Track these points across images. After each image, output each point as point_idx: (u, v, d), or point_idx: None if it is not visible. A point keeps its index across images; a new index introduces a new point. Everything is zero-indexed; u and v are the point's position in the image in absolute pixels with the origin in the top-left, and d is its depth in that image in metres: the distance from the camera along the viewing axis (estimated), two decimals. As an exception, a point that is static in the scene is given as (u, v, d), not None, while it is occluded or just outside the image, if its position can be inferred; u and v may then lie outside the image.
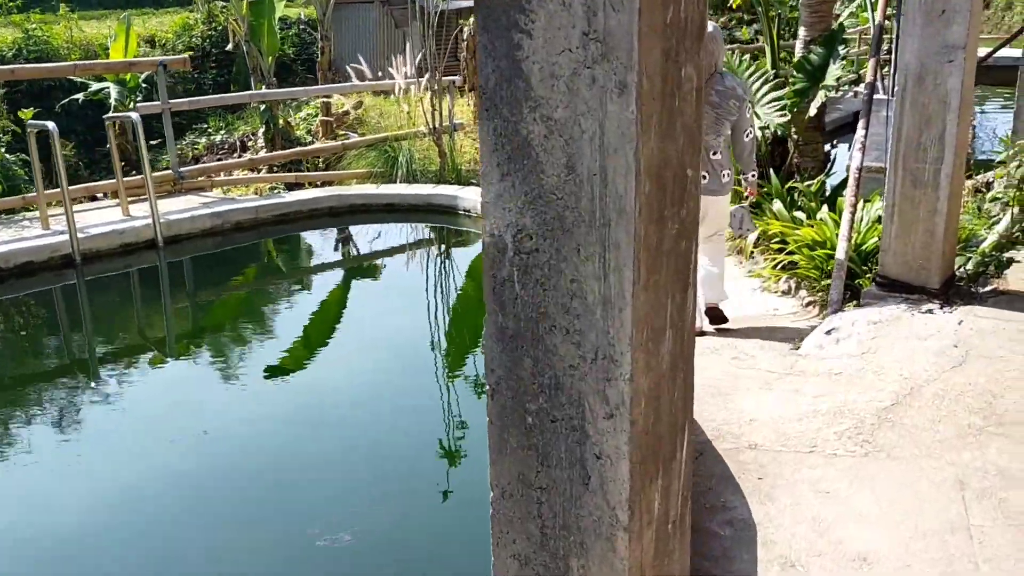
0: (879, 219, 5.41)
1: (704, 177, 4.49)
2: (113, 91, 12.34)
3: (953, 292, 4.48)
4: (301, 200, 7.81)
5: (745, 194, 4.94)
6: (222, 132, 13.96)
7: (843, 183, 6.40)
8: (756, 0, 6.61)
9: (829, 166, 6.58)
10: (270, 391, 4.94)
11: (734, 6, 6.39)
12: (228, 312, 6.42)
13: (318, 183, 9.40)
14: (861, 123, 5.64)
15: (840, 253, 4.87)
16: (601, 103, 1.37)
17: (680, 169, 1.52)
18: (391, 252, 7.91)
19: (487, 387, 1.61)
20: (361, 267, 7.46)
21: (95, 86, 12.75)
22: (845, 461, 3.10)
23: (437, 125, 9.36)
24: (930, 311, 4.30)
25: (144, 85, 14.10)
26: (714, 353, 4.65)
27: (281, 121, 12.53)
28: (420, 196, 8.04)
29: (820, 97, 6.19)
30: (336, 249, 7.97)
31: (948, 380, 3.67)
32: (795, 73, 6.37)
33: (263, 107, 12.28)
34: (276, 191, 9.57)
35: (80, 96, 12.70)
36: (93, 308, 6.34)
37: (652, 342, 1.51)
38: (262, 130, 12.66)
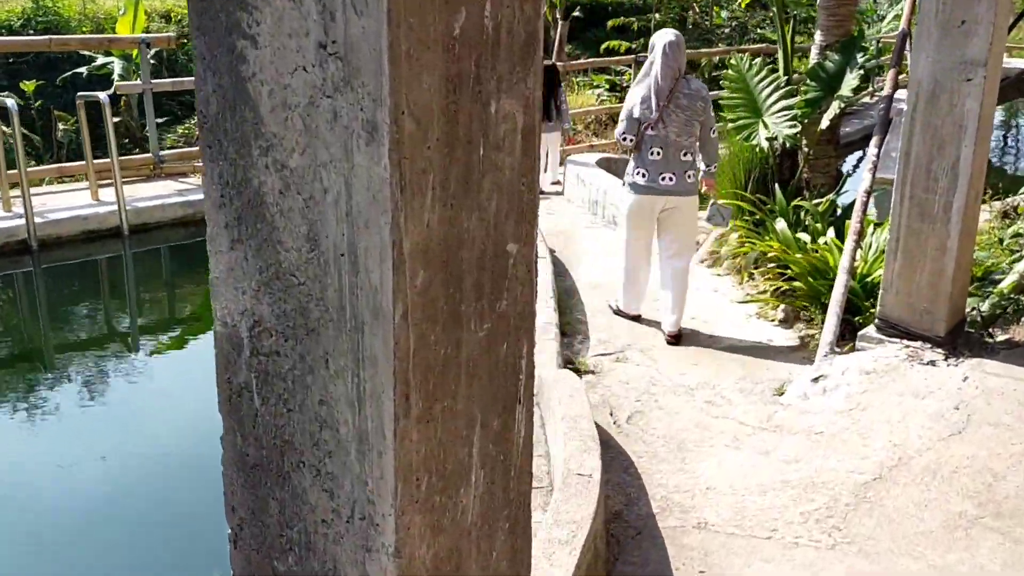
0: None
1: (671, 179, 4.66)
2: (117, 66, 12.04)
3: (961, 340, 3.96)
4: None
5: (703, 189, 4.99)
6: (230, 113, 13.62)
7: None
8: (770, -1, 6.08)
9: (841, 183, 6.04)
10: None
11: (742, 5, 5.82)
12: (186, 306, 6.03)
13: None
14: (874, 140, 5.11)
15: (838, 288, 4.35)
16: (346, 151, 0.90)
17: (493, 247, 1.05)
18: None
19: (228, 529, 1.15)
20: None
21: (100, 60, 12.44)
22: (807, 554, 2.61)
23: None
24: (932, 362, 3.78)
25: (152, 62, 13.80)
26: (688, 394, 4.17)
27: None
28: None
29: (834, 108, 5.65)
30: None
31: (943, 451, 3.17)
32: (808, 81, 5.83)
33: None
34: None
35: (84, 70, 12.40)
36: (46, 298, 5.98)
37: (442, 495, 1.04)
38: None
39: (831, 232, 5.30)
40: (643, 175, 4.70)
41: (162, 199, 6.98)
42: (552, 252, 6.80)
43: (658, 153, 4.65)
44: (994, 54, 3.55)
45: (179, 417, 4.48)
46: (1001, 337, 4.08)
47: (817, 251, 5.14)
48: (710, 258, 6.51)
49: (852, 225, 4.62)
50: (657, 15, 16.20)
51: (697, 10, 15.67)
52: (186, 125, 13.52)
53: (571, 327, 5.33)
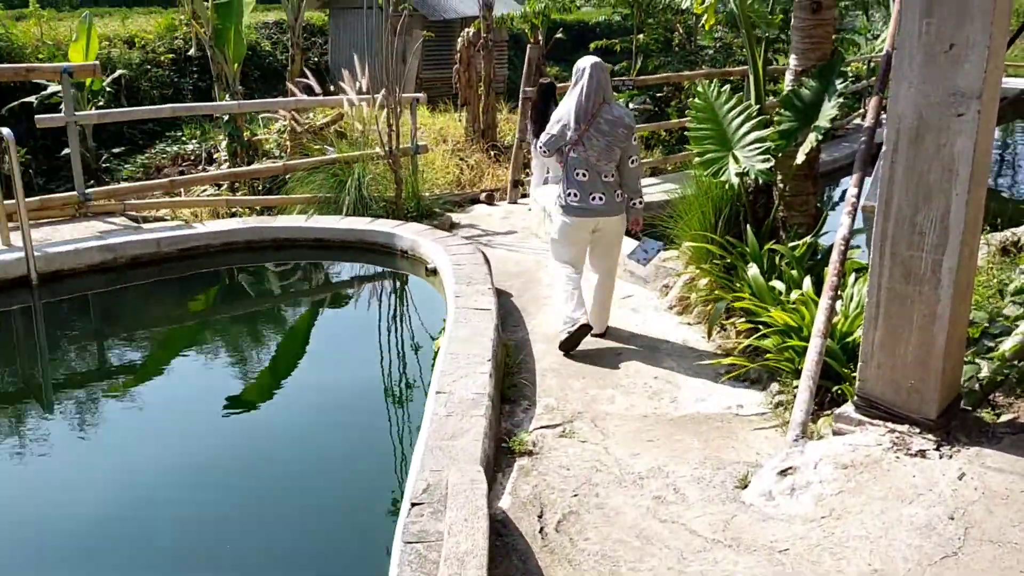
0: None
1: (600, 199, 4.83)
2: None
3: (956, 423, 3.31)
4: (214, 232, 6.77)
5: (629, 226, 5.11)
6: (194, 142, 13.01)
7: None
8: (739, 20, 5.47)
9: (820, 223, 5.42)
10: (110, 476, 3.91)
11: (707, 27, 5.23)
12: (93, 362, 5.39)
13: (258, 208, 8.38)
14: (854, 179, 4.50)
15: (810, 356, 3.72)
16: None
17: None
18: (308, 299, 6.80)
19: None
20: (265, 317, 6.38)
21: (52, 88, 11.86)
22: None
23: (393, 147, 8.30)
24: (922, 452, 3.14)
25: (110, 90, 13.23)
26: (636, 486, 3.53)
27: (248, 134, 11.58)
28: (354, 232, 6.97)
29: (811, 140, 5.04)
30: (243, 294, 6.84)
31: (934, 582, 2.53)
32: (782, 110, 5.22)
33: (226, 118, 11.34)
34: (241, 214, 8.57)
35: (34, 99, 11.82)
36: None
37: None
38: (224, 143, 11.71)
39: (807, 282, 4.67)
40: (575, 196, 4.86)
41: (79, 243, 6.36)
42: (508, 296, 6.18)
43: (583, 175, 4.82)
44: (990, 84, 2.94)
45: (92, 482, 3.98)
46: (1005, 417, 3.44)
47: (793, 304, 4.51)
48: (679, 304, 5.89)
49: (828, 278, 4.00)
50: (641, 36, 15.68)
51: (682, 31, 15.12)
52: (148, 154, 12.93)
53: (516, 390, 4.69)
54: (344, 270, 7.29)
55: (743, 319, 4.81)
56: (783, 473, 3.17)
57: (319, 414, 4.72)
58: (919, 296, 3.17)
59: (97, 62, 8.46)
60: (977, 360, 3.77)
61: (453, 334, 4.71)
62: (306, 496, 3.89)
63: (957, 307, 3.17)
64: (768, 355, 4.47)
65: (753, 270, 5.02)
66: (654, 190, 10.01)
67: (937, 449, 3.15)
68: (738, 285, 5.16)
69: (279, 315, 6.37)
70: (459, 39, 13.58)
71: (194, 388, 5.09)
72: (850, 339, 4.14)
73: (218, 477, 4.03)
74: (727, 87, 5.52)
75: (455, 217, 9.01)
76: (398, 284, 6.88)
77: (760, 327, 4.58)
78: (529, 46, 9.46)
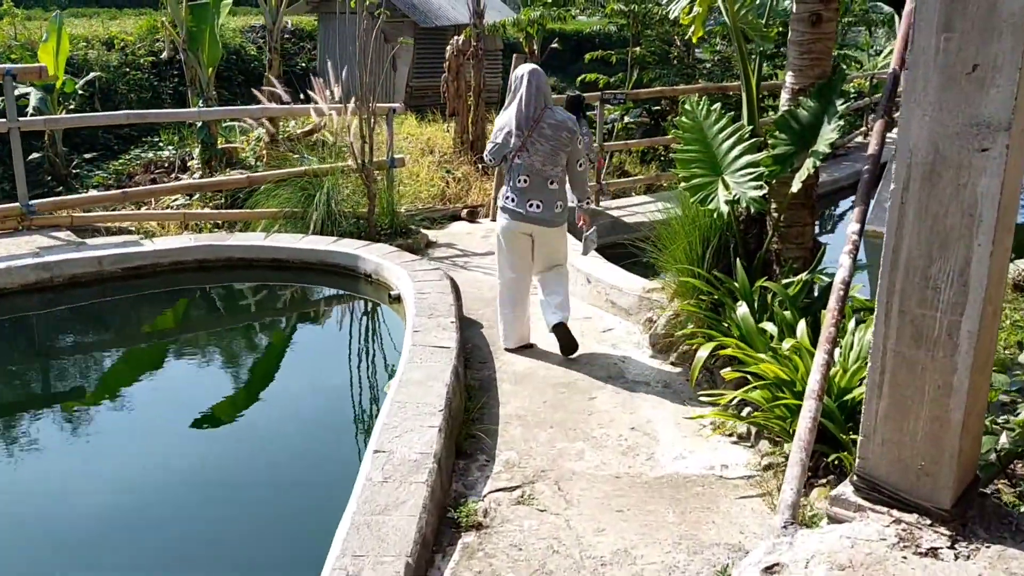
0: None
1: (538, 207, 4.85)
2: (33, 97, 10.94)
3: (974, 512, 2.80)
4: (162, 250, 6.27)
5: (579, 223, 5.23)
6: (171, 148, 12.50)
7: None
8: (731, 33, 4.98)
9: (818, 258, 4.91)
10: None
11: (694, 40, 4.74)
12: (23, 389, 4.89)
13: (220, 223, 7.87)
14: (855, 214, 4.00)
15: (803, 422, 3.20)
16: None
17: None
18: (255, 328, 6.21)
19: None
20: (200, 349, 5.83)
21: (20, 90, 11.37)
22: None
23: (367, 160, 7.80)
24: (933, 552, 2.62)
25: (82, 92, 12.75)
26: None
27: (221, 141, 11.08)
28: (315, 252, 6.46)
29: (808, 167, 4.54)
30: (185, 320, 6.26)
31: None
32: (777, 132, 4.73)
33: (199, 124, 10.84)
34: (206, 229, 8.06)
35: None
36: None
37: None
38: (197, 150, 11.22)
39: (802, 327, 4.16)
40: (512, 200, 4.89)
41: (12, 260, 5.85)
42: (477, 327, 5.67)
43: (525, 181, 4.83)
44: (1021, 112, 2.44)
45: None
46: (1030, 503, 2.93)
47: (787, 354, 4.00)
48: (663, 341, 5.38)
49: (825, 328, 3.49)
50: (638, 48, 15.23)
51: (680, 44, 14.64)
52: (122, 160, 12.42)
53: (474, 442, 4.19)
54: (302, 295, 6.75)
55: (730, 368, 4.29)
56: (769, 571, 2.66)
57: (236, 480, 4.08)
58: (932, 363, 2.66)
59: (43, 64, 7.95)
60: (995, 426, 3.27)
61: (405, 376, 4.20)
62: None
63: (977, 377, 2.66)
64: (757, 412, 3.97)
65: (743, 310, 4.52)
66: (647, 208, 9.52)
67: (952, 547, 2.63)
68: (726, 325, 4.66)
69: (218, 346, 5.80)
70: (448, 47, 13.10)
71: (110, 425, 4.57)
72: (849, 397, 3.63)
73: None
74: (718, 105, 5.02)
75: (432, 235, 8.51)
76: (359, 312, 6.37)
77: (749, 377, 4.08)
78: (515, 57, 8.96)
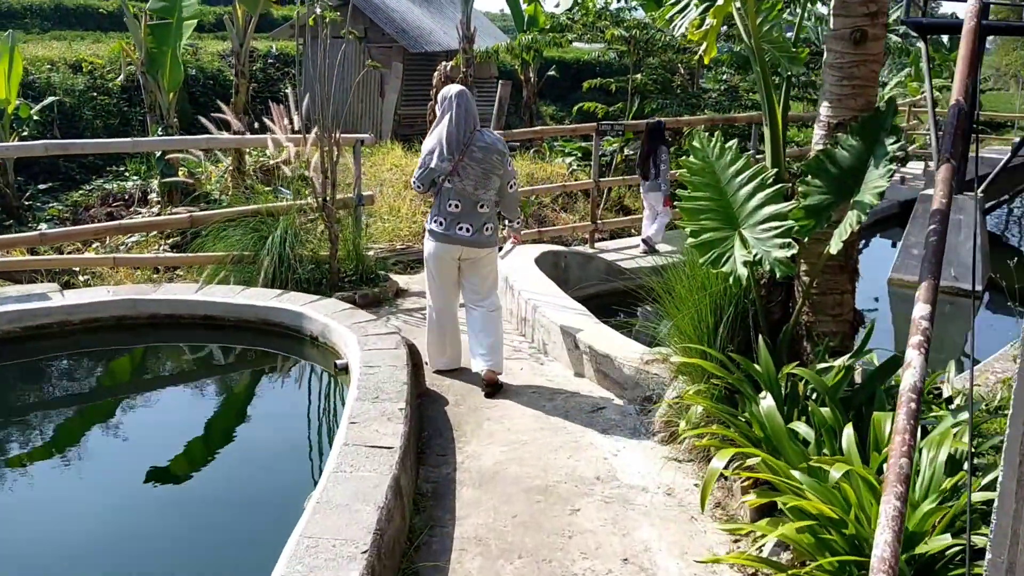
0: (953, 467, 2.78)
1: (467, 230, 4.70)
2: (-23, 124, 10.06)
3: None
4: (72, 306, 5.27)
5: (510, 241, 5.31)
6: (136, 178, 11.55)
7: (890, 365, 3.74)
8: (752, 55, 4.02)
9: (865, 338, 3.92)
10: None
11: (706, 60, 3.77)
12: None
13: (155, 270, 6.89)
14: (922, 291, 3.01)
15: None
16: None
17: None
18: (166, 409, 5.00)
19: None
20: (93, 430, 4.75)
21: (-32, 115, 10.48)
22: None
23: (328, 197, 6.85)
24: None
25: (36, 118, 11.84)
26: None
27: (183, 173, 10.14)
28: (254, 309, 5.47)
29: (850, 222, 3.56)
30: (84, 391, 5.09)
31: None
32: (810, 179, 3.76)
33: (158, 154, 9.93)
34: (155, 281, 7.09)
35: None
36: None
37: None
38: (155, 182, 10.29)
39: (848, 434, 3.16)
40: (440, 223, 4.75)
41: None
42: (440, 404, 4.68)
43: (456, 206, 4.70)
44: None
45: None
46: None
47: (833, 480, 2.99)
48: (665, 429, 4.38)
49: (893, 463, 2.49)
50: (639, 76, 14.37)
51: (684, 72, 13.78)
52: (82, 191, 11.48)
53: (417, 579, 3.18)
54: (233, 362, 5.67)
55: (754, 491, 3.29)
56: None
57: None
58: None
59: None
60: None
61: (325, 496, 3.19)
62: None
63: None
64: (797, 549, 2.96)
65: (767, 403, 3.52)
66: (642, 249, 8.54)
67: None
68: (745, 419, 3.66)
69: (102, 432, 4.68)
70: (435, 73, 12.21)
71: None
72: (922, 549, 2.63)
73: None
74: (733, 142, 4.06)
75: (404, 281, 7.54)
76: (297, 388, 5.34)
77: (780, 503, 3.07)
78: (500, 84, 8.09)
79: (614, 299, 7.96)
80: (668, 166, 8.52)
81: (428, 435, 4.43)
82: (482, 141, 4.61)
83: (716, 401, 3.84)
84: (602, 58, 17.44)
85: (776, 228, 3.73)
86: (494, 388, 4.88)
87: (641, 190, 8.69)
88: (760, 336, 3.84)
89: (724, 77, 14.28)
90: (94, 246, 8.27)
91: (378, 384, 4.21)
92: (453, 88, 4.74)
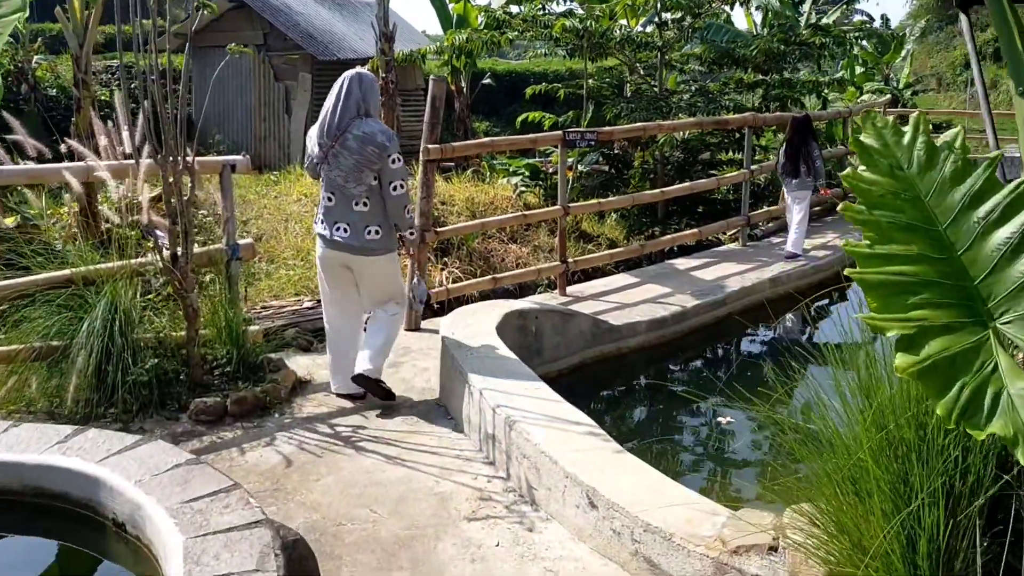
0: None
1: (345, 231, 4.25)
2: None
3: None
4: None
5: (416, 277, 4.95)
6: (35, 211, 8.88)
7: None
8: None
9: None
10: None
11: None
12: None
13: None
14: None
15: None
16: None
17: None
18: None
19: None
20: None
21: None
22: None
23: (180, 249, 4.45)
24: None
25: None
26: None
27: (12, 220, 7.60)
28: (19, 470, 3.05)
29: None
30: None
31: None
32: None
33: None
34: None
35: None
36: None
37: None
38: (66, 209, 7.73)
39: None
40: (321, 222, 4.34)
41: None
42: None
43: (330, 199, 4.28)
44: None
45: None
46: None
47: None
48: None
49: None
50: (591, 81, 12.28)
51: (642, 72, 11.71)
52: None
53: None
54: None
55: None
56: None
57: None
58: None
59: None
60: None
61: None
62: None
63: None
64: None
65: None
66: (637, 295, 6.14)
67: None
68: None
69: None
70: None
71: None
72: None
73: None
74: (952, 134, 1.87)
75: (307, 366, 5.12)
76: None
77: None
78: (432, 80, 5.79)
79: (605, 367, 5.76)
80: (823, 161, 8.01)
81: None
82: (359, 130, 4.12)
83: None
84: (543, 69, 15.33)
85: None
86: (365, 389, 4.38)
87: (784, 190, 8.13)
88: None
89: (684, 78, 12.28)
90: None
91: None
92: (350, 71, 4.24)
